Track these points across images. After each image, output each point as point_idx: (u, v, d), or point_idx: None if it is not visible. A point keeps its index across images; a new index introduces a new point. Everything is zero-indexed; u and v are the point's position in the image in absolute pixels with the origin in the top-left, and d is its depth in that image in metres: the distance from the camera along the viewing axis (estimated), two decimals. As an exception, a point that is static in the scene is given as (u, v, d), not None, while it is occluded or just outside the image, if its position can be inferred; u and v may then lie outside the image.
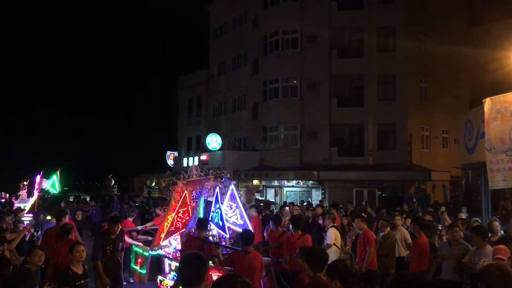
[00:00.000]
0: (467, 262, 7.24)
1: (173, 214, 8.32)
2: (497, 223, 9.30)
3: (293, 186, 27.65)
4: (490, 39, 24.76)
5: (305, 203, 20.38)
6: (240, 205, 8.65)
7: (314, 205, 17.02)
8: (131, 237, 10.59)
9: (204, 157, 28.77)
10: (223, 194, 8.45)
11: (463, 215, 12.57)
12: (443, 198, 24.14)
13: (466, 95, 27.74)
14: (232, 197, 8.53)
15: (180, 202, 8.33)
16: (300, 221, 8.72)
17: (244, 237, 6.69)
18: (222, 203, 8.20)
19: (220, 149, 29.25)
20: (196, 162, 29.15)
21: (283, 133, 27.94)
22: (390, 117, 26.15)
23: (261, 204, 20.21)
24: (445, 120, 27.03)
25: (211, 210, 8.27)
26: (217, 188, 8.39)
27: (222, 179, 8.75)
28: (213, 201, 8.30)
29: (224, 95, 33.15)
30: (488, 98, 9.26)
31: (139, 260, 9.69)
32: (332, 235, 9.42)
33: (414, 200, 18.46)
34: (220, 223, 7.98)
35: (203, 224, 7.58)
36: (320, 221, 11.73)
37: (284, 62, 27.72)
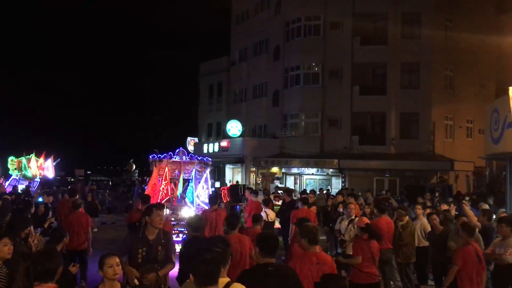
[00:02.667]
0: (490, 252, 7.12)
1: (156, 182, 10.65)
2: None
3: (313, 174, 27.56)
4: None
5: (324, 192, 20.30)
6: (209, 189, 11.13)
7: (334, 194, 16.93)
8: None
9: (224, 143, 28.86)
10: (198, 177, 10.78)
11: (487, 206, 12.34)
12: (466, 188, 23.79)
13: (492, 85, 27.09)
14: (206, 181, 10.91)
15: (163, 176, 10.51)
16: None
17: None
18: (199, 182, 10.59)
19: (240, 136, 29.29)
20: (217, 148, 29.35)
21: (303, 121, 27.79)
22: (413, 105, 25.76)
23: (280, 191, 20.25)
24: (470, 109, 26.54)
25: (188, 186, 10.62)
26: (194, 170, 10.68)
27: (206, 165, 11.05)
28: (189, 180, 10.70)
29: (245, 81, 33.06)
30: None
31: None
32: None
33: (436, 190, 18.21)
34: (191, 198, 10.09)
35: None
36: (340, 209, 11.65)
37: (306, 49, 27.46)
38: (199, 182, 10.70)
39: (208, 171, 10.99)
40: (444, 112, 26.30)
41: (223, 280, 3.42)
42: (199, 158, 11.09)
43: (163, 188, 10.57)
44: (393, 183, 25.28)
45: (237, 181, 27.10)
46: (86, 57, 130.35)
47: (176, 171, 10.76)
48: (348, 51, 26.87)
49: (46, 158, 23.54)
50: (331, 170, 26.58)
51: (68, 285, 5.11)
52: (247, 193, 13.13)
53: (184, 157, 10.97)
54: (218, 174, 31.49)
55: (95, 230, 16.81)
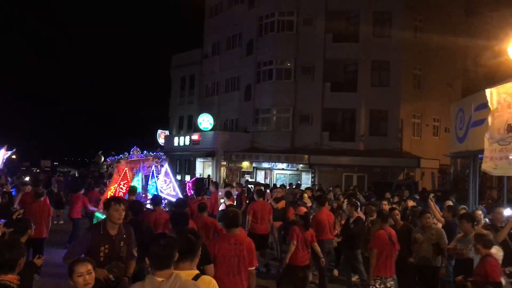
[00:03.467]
0: (453, 248, 7.36)
1: (116, 185, 10.72)
2: (480, 212, 9.48)
3: (283, 169, 27.72)
4: (486, 29, 24.73)
5: (294, 186, 20.45)
6: (173, 180, 11.45)
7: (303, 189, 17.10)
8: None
9: (195, 136, 28.71)
10: (158, 171, 10.94)
11: (450, 203, 12.70)
12: (432, 185, 24.39)
13: (459, 85, 27.82)
14: (166, 174, 11.14)
15: (121, 176, 10.64)
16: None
17: (177, 203, 8.36)
18: (158, 178, 10.78)
19: (211, 130, 29.19)
20: (188, 142, 29.17)
21: (275, 116, 27.88)
22: (382, 103, 26.18)
23: (250, 186, 20.34)
24: (437, 108, 27.16)
25: (148, 184, 10.75)
26: (153, 166, 10.85)
27: (159, 159, 11.22)
28: (149, 176, 10.79)
29: (218, 75, 32.91)
30: (494, 87, 9.24)
31: None
32: None
33: (403, 187, 18.60)
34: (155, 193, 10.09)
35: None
36: (309, 204, 11.80)
37: (279, 44, 27.53)
38: (158, 177, 10.94)
39: (166, 164, 11.31)
40: (412, 110, 26.84)
41: (192, 272, 3.44)
42: (152, 154, 11.30)
43: (121, 188, 10.69)
44: (362, 179, 25.69)
45: (208, 175, 27.03)
46: (57, 44, 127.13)
47: (134, 170, 10.96)
48: (320, 48, 27.06)
49: None
50: (301, 165, 26.79)
51: (30, 276, 4.96)
52: (211, 186, 14.24)
53: (139, 154, 11.22)
54: (188, 168, 31.34)
55: (61, 222, 16.48)
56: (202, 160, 29.97)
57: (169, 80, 39.11)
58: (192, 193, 15.33)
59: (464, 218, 7.53)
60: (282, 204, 11.75)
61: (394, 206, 10.58)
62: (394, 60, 26.21)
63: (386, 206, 10.20)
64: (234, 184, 16.79)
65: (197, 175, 28.41)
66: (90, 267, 3.82)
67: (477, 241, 6.13)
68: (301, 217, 8.04)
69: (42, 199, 9.70)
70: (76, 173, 36.84)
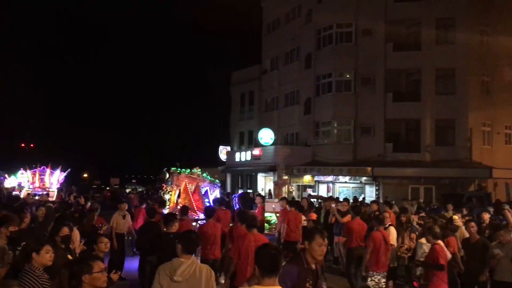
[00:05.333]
0: None
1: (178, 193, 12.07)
2: None
3: (346, 182, 27.26)
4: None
5: (359, 200, 20.02)
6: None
7: (368, 202, 16.73)
8: None
9: (256, 152, 28.92)
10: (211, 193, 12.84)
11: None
12: (506, 196, 23.00)
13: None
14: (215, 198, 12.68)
15: (182, 188, 11.73)
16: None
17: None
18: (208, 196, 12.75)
19: (272, 144, 29.31)
20: (249, 157, 29.45)
21: (336, 128, 27.58)
22: (448, 112, 25.20)
23: (312, 199, 20.13)
24: (508, 115, 25.83)
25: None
26: (207, 187, 12.46)
27: (214, 185, 12.76)
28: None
29: (277, 90, 33.13)
30: None
31: None
32: (393, 234, 9.37)
33: (473, 199, 17.72)
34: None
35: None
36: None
37: (337, 56, 27.32)
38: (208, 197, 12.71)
39: (217, 190, 12.95)
40: (481, 118, 25.60)
41: None
42: (210, 178, 12.89)
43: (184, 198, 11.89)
44: (429, 191, 24.72)
45: (269, 190, 27.09)
46: (115, 67, 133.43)
47: (190, 185, 12.02)
48: (380, 58, 26.58)
49: (53, 170, 21.82)
50: (364, 178, 26.23)
51: None
52: (257, 198, 15.31)
53: (197, 174, 12.56)
54: (250, 183, 31.58)
55: (130, 238, 17.17)
56: (263, 175, 30.12)
57: (229, 97, 39.84)
58: (239, 207, 15.68)
59: None
60: (347, 218, 11.52)
61: (468, 218, 10.07)
62: (459, 67, 25.21)
63: (459, 219, 9.74)
64: (276, 200, 17.01)
65: (259, 190, 28.54)
66: None
67: (427, 233, 7.73)
68: (313, 222, 9.99)
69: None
70: (144, 190, 38.20)
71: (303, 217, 11.83)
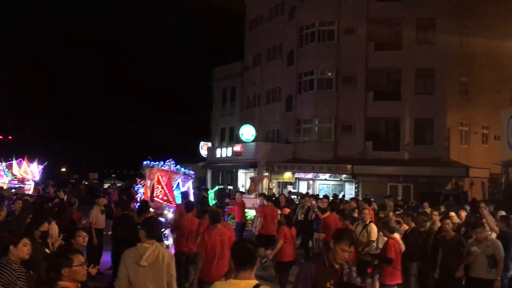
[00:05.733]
0: None
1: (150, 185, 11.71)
2: None
3: (326, 180, 27.46)
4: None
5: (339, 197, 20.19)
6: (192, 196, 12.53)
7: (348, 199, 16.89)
8: None
9: (237, 148, 28.92)
10: (183, 185, 12.22)
11: (503, 213, 12.19)
12: (482, 195, 23.48)
13: (508, 91, 26.76)
14: (188, 189, 12.20)
15: (155, 180, 11.48)
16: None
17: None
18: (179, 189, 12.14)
19: (253, 141, 29.34)
20: (230, 153, 29.42)
21: (317, 126, 27.73)
22: (427, 111, 25.56)
23: (293, 196, 20.26)
24: (486, 115, 26.29)
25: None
26: (180, 179, 12.04)
27: (188, 176, 12.34)
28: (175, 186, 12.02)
29: (259, 86, 33.13)
30: None
31: None
32: (374, 231, 9.47)
33: (450, 197, 18.03)
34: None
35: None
36: (355, 215, 11.63)
37: (320, 54, 27.44)
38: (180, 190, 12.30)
39: (191, 181, 12.55)
40: (459, 118, 26.05)
41: (252, 282, 3.39)
42: (184, 170, 12.52)
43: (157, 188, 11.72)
44: (407, 189, 25.07)
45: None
46: (96, 59, 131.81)
47: (164, 178, 11.90)
48: (362, 57, 26.80)
49: (30, 162, 21.57)
50: (344, 175, 26.45)
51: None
52: (238, 195, 15.23)
53: (172, 167, 12.29)
54: (231, 179, 31.58)
55: (110, 232, 16.94)
56: (244, 171, 30.14)
57: (211, 92, 39.70)
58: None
59: None
60: (327, 215, 11.60)
61: (449, 214, 10.23)
62: (439, 67, 25.58)
63: (436, 216, 9.91)
64: (253, 195, 17.19)
65: (240, 187, 28.56)
66: None
67: (383, 228, 8.11)
68: (285, 217, 9.71)
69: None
70: (123, 185, 37.82)
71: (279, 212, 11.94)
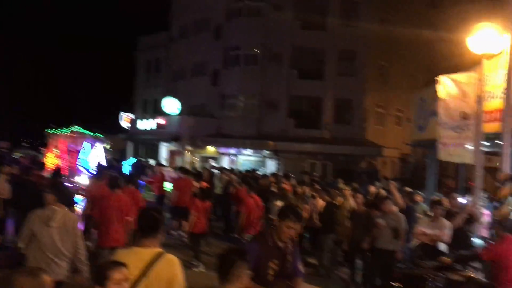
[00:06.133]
0: (422, 233, 7.67)
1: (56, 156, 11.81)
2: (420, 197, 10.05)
3: (249, 156, 27.75)
4: (449, 22, 25.34)
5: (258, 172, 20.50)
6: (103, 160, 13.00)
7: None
8: None
9: (161, 121, 28.34)
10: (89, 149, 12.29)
11: (409, 189, 13.07)
12: (392, 174, 24.99)
13: (422, 77, 28.38)
14: (99, 153, 12.47)
15: (60, 146, 11.70)
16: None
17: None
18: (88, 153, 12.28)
19: (178, 114, 28.85)
20: (153, 126, 28.76)
21: (242, 102, 27.81)
22: (348, 92, 26.52)
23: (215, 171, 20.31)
24: (401, 99, 27.70)
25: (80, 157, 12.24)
26: (85, 143, 11.99)
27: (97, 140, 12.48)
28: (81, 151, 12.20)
29: (185, 59, 32.42)
30: (443, 76, 9.57)
31: None
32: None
33: (364, 175, 19.05)
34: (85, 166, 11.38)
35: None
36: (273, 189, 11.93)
37: (247, 29, 27.35)
38: (89, 154, 12.39)
39: (101, 144, 12.46)
40: (377, 100, 27.33)
41: (155, 250, 3.34)
42: (92, 134, 12.52)
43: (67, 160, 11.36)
44: (327, 167, 26.04)
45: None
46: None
47: (70, 144, 11.85)
48: (288, 35, 27.01)
49: None
50: (267, 152, 26.89)
51: None
52: (158, 167, 15.63)
53: (77, 132, 12.27)
54: (153, 152, 30.96)
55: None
56: (167, 144, 29.64)
57: (134, 62, 38.31)
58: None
59: (435, 204, 7.89)
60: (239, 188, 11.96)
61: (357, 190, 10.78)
62: (360, 50, 26.55)
63: (347, 191, 10.40)
64: (170, 169, 17.24)
65: (162, 160, 28.10)
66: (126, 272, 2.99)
67: (279, 198, 9.04)
68: (201, 190, 10.10)
69: None
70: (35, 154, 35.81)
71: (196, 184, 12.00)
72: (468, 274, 6.12)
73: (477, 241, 7.93)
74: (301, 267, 4.28)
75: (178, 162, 23.65)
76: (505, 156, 8.21)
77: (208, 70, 30.20)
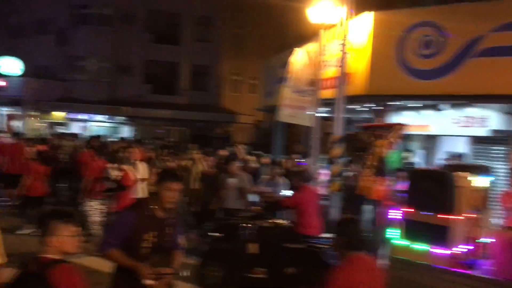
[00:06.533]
0: (261, 191, 8.15)
1: None
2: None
3: (103, 122, 26.49)
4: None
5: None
6: None
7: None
8: None
9: (2, 83, 25.41)
10: None
11: (260, 152, 13.83)
12: (247, 139, 26.05)
13: (274, 44, 29.65)
14: None
15: None
16: None
17: None
18: None
19: (20, 76, 26.14)
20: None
21: (93, 65, 26.20)
22: (205, 59, 26.67)
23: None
24: (255, 67, 28.68)
25: None
26: None
27: None
28: None
29: (25, 14, 29.14)
30: (300, 47, 10.15)
31: None
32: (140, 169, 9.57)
33: (216, 140, 19.71)
34: None
35: None
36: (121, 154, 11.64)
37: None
38: None
39: None
40: (233, 68, 27.93)
41: None
42: None
43: None
44: (184, 133, 26.12)
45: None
46: None
47: None
48: (143, -3, 26.01)
49: None
50: (121, 118, 25.94)
51: None
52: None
53: None
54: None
55: None
56: (7, 109, 26.77)
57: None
58: None
59: (275, 164, 8.40)
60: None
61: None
62: (216, 16, 26.72)
63: (197, 155, 10.59)
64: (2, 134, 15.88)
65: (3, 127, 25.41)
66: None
67: (120, 162, 8.74)
68: (39, 154, 10.59)
69: None
70: None
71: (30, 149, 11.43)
72: (275, 221, 7.03)
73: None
74: (182, 240, 4.05)
75: (17, 127, 21.58)
76: (337, 120, 9.09)
77: (55, 28, 27.62)
